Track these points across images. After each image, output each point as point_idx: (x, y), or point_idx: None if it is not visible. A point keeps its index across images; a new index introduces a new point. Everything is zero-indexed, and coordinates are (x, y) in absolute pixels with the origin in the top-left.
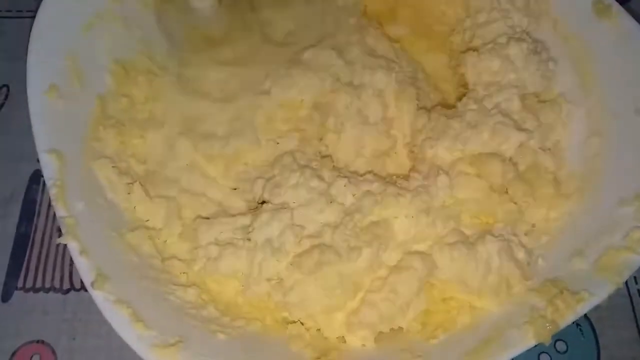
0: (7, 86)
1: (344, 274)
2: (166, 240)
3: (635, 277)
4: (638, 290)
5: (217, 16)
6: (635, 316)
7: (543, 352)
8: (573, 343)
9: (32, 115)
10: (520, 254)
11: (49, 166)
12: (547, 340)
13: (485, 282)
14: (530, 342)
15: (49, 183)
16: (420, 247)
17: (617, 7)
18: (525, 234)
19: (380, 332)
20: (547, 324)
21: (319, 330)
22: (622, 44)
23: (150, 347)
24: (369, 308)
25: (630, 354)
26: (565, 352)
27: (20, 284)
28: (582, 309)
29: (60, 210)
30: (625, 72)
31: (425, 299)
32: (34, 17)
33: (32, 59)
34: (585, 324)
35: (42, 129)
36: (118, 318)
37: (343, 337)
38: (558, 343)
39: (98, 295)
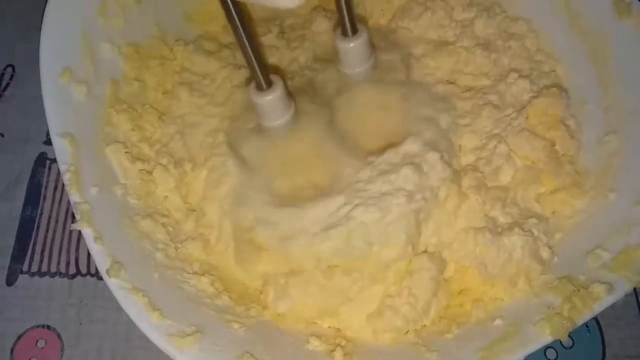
0: (13, 66)
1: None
2: (179, 225)
3: None
4: None
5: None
6: None
7: (549, 347)
8: (579, 339)
9: (45, 100)
10: (545, 254)
11: (63, 151)
12: (564, 337)
13: (503, 271)
14: (547, 339)
15: (62, 168)
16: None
17: (638, 6)
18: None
19: None
20: (564, 321)
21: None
22: None
23: (167, 336)
24: (393, 313)
25: (635, 351)
26: (571, 347)
27: (25, 267)
28: (599, 307)
29: (74, 196)
30: None
31: (444, 296)
32: None
33: (45, 41)
34: (591, 321)
35: (55, 113)
36: (134, 307)
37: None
38: None
39: (113, 283)
